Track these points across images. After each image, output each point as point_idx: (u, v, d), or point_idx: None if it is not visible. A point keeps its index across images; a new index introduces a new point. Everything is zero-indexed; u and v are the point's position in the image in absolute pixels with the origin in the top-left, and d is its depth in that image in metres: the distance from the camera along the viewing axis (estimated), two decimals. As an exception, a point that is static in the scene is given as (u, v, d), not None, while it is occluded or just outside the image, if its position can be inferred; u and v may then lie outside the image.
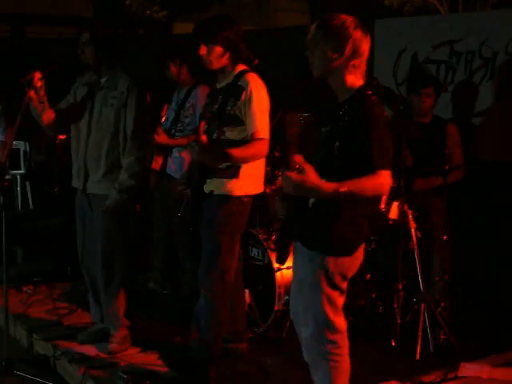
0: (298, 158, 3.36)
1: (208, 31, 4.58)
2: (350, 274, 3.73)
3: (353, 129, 3.45)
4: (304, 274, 3.74)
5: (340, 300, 3.74)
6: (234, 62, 4.66)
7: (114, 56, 5.11)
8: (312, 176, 3.32)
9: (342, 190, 3.33)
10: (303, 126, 3.42)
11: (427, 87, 6.03)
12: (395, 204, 5.49)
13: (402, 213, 5.46)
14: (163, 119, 6.13)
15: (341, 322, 3.76)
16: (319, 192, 3.35)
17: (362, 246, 3.76)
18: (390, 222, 5.53)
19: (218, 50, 4.58)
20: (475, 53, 6.45)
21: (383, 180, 3.42)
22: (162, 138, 6.07)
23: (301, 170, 3.30)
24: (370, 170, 3.39)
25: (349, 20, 3.56)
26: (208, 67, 4.65)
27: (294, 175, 3.32)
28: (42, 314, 6.05)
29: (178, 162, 6.22)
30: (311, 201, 3.55)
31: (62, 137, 7.83)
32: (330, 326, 3.70)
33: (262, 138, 4.53)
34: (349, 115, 3.50)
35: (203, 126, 4.49)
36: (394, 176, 5.38)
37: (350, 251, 3.67)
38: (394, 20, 7.48)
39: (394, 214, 5.52)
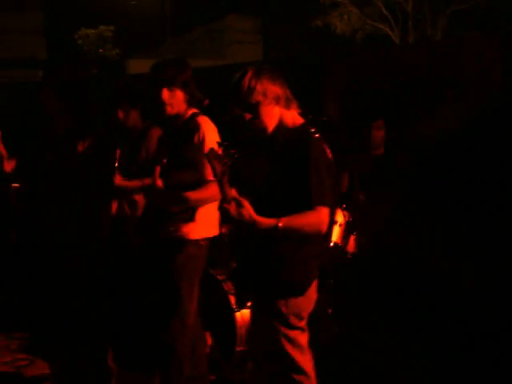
0: (232, 192, 3.40)
1: (169, 75, 4.56)
2: (305, 313, 3.72)
3: (293, 166, 3.48)
4: (260, 318, 3.74)
5: (302, 338, 3.72)
6: (189, 105, 4.66)
7: (78, 103, 5.06)
8: (249, 209, 3.36)
9: (280, 224, 3.38)
10: (228, 163, 3.45)
11: (378, 118, 6.07)
12: (352, 238, 5.50)
13: (359, 246, 5.47)
14: (117, 164, 6.06)
15: (307, 362, 3.73)
16: (256, 224, 3.39)
17: (314, 285, 3.73)
18: (349, 256, 5.53)
19: (180, 93, 4.58)
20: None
21: (321, 217, 3.47)
22: (116, 179, 6.01)
23: (237, 203, 3.35)
24: (307, 207, 3.43)
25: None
26: (166, 112, 4.62)
27: (231, 208, 3.37)
28: (1, 366, 5.94)
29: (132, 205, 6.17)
30: (254, 247, 3.57)
31: (16, 185, 7.74)
32: (295, 368, 3.68)
33: (215, 180, 4.51)
34: (289, 152, 3.53)
35: (158, 170, 4.46)
36: (350, 210, 5.46)
37: (300, 291, 3.65)
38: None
39: (351, 247, 5.53)
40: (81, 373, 5.22)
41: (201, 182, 4.52)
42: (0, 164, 5.01)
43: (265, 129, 3.66)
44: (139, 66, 17.66)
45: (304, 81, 7.08)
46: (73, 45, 20.39)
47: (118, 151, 6.02)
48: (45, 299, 5.26)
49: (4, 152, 4.96)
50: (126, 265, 6.34)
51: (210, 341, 5.52)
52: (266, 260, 3.57)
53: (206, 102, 4.77)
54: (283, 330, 3.64)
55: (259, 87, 3.58)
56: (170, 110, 4.61)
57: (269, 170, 3.66)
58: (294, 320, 3.64)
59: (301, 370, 3.70)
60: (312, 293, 3.72)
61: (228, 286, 5.48)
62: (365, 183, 5.59)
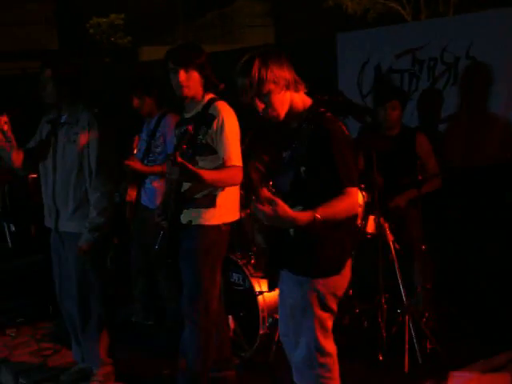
0: (266, 193, 3.34)
1: (186, 56, 4.57)
2: (341, 292, 3.76)
3: (315, 151, 3.46)
4: (294, 299, 3.74)
5: (330, 322, 3.75)
6: (205, 89, 4.66)
7: (75, 91, 5.09)
8: (283, 207, 3.30)
9: (317, 216, 3.33)
10: (262, 171, 3.46)
11: (392, 100, 6.05)
12: (371, 218, 5.50)
13: (378, 226, 5.47)
14: (135, 151, 6.08)
15: (331, 344, 3.77)
16: (294, 222, 3.33)
17: (349, 263, 3.77)
18: (368, 236, 5.53)
19: (196, 75, 4.59)
20: (437, 59, 6.48)
21: (353, 198, 3.47)
22: (136, 164, 6.02)
23: (271, 203, 3.29)
24: (338, 190, 3.41)
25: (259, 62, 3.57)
26: (183, 94, 4.62)
27: (266, 208, 3.31)
28: (27, 356, 5.98)
29: (151, 193, 6.19)
30: (291, 229, 3.55)
31: (34, 175, 7.76)
32: (321, 350, 3.72)
33: (234, 166, 4.53)
34: (308, 138, 3.51)
35: (177, 154, 4.46)
36: (368, 190, 5.45)
37: (337, 270, 3.68)
38: (355, 32, 7.49)
39: (371, 227, 5.53)
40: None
41: (220, 167, 4.53)
42: (9, 156, 5.04)
43: (278, 116, 3.63)
44: (151, 53, 17.66)
45: (316, 62, 7.07)
46: (84, 34, 20.41)
47: (136, 138, 6.06)
48: (64, 286, 5.31)
49: (14, 143, 4.99)
50: (146, 252, 6.39)
51: (232, 325, 5.55)
52: (303, 240, 3.57)
53: (222, 86, 4.77)
54: (318, 311, 3.67)
55: (270, 76, 3.52)
56: (187, 92, 4.60)
57: (289, 158, 3.65)
58: (330, 300, 3.67)
59: (327, 353, 3.73)
60: (347, 272, 3.76)
61: (249, 270, 5.50)
62: (381, 163, 5.57)
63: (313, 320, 3.67)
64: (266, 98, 3.57)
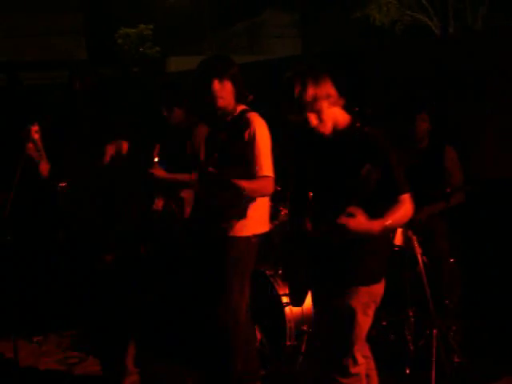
0: (352, 207, 3.41)
1: (221, 66, 4.62)
2: (379, 300, 3.86)
3: (364, 162, 3.52)
4: (336, 310, 3.80)
5: (365, 332, 3.83)
6: (237, 100, 4.68)
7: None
8: (363, 218, 3.41)
9: (387, 224, 3.47)
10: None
11: (421, 112, 6.04)
12: (399, 230, 5.48)
13: (406, 239, 5.45)
14: (156, 159, 6.07)
15: (361, 355, 3.82)
16: (371, 231, 3.45)
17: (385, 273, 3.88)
18: (396, 249, 5.51)
19: (229, 86, 4.62)
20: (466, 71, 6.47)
21: (409, 204, 3.60)
22: (160, 171, 6.00)
23: (351, 215, 3.39)
24: (395, 197, 3.55)
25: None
26: (216, 104, 4.64)
27: (349, 220, 3.39)
28: (53, 364, 6.01)
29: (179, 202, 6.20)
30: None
31: (63, 184, 7.79)
32: (354, 359, 3.77)
33: (266, 176, 4.54)
34: (359, 152, 3.59)
35: (210, 162, 4.48)
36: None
37: (379, 278, 3.81)
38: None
39: (398, 240, 5.51)
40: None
41: (252, 178, 4.53)
42: (36, 166, 5.09)
43: (327, 130, 3.70)
44: (179, 63, 17.74)
45: (344, 74, 7.07)
46: (113, 45, 20.54)
47: (158, 146, 6.06)
48: (89, 297, 5.34)
49: (43, 153, 5.03)
50: (174, 262, 6.39)
51: (259, 336, 5.54)
52: (349, 251, 3.66)
53: (251, 97, 4.79)
54: (360, 318, 3.72)
55: (322, 93, 3.59)
56: (220, 102, 4.63)
57: (340, 172, 3.70)
58: (372, 307, 3.78)
59: (357, 361, 3.77)
60: (384, 281, 3.86)
61: (277, 282, 5.49)
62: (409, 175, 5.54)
63: (353, 328, 3.73)
64: (319, 114, 3.63)
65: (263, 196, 4.66)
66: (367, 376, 4.05)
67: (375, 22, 22.50)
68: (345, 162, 3.66)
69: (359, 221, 3.39)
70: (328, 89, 3.62)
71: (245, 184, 4.44)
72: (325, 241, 3.65)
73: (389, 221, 3.47)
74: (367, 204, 3.49)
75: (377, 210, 3.50)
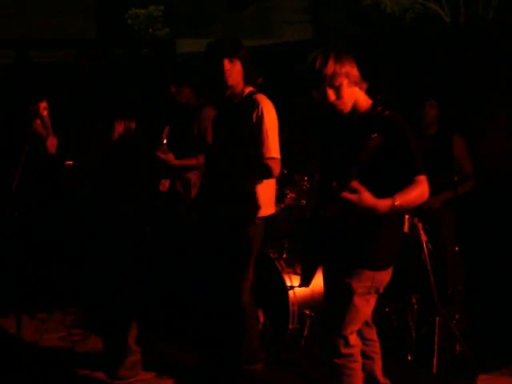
0: (355, 183, 3.42)
1: (231, 46, 4.63)
2: (382, 288, 3.88)
3: (386, 144, 3.50)
4: (336, 288, 3.85)
5: (362, 315, 3.83)
6: (245, 82, 4.67)
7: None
8: (368, 195, 3.42)
9: (396, 204, 3.46)
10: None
11: (431, 97, 6.03)
12: (406, 217, 5.46)
13: (412, 226, 5.44)
14: (164, 141, 6.06)
15: (355, 337, 3.84)
16: (376, 210, 3.45)
17: (395, 262, 3.89)
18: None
19: (239, 66, 4.62)
20: (478, 58, 6.44)
21: (424, 185, 3.58)
22: (169, 156, 6.00)
23: (357, 191, 3.39)
24: (410, 178, 3.54)
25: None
26: (227, 84, 4.63)
27: (352, 196, 3.40)
28: (56, 341, 6.03)
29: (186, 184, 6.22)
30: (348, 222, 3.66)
31: (69, 163, 7.76)
32: (345, 339, 3.77)
33: (273, 158, 4.54)
34: (376, 131, 3.53)
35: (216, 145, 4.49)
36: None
37: (386, 265, 3.82)
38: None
39: (404, 227, 5.49)
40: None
41: (258, 159, 4.53)
42: (43, 142, 5.10)
43: (345, 108, 3.72)
44: (189, 45, 17.69)
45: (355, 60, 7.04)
46: (123, 25, 20.49)
47: (167, 128, 6.05)
48: (95, 274, 5.35)
49: (50, 129, 5.03)
50: (179, 243, 6.40)
51: (262, 318, 5.55)
52: (361, 233, 3.70)
53: (260, 80, 4.78)
54: (356, 300, 3.74)
55: (343, 70, 3.64)
56: (230, 81, 4.63)
57: (358, 151, 3.63)
58: (373, 294, 3.80)
59: (348, 342, 3.78)
60: (391, 270, 3.87)
61: (281, 265, 5.50)
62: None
63: (348, 308, 3.74)
64: (337, 90, 3.66)
65: (270, 178, 4.65)
66: (371, 358, 4.09)
67: (386, 10, 22.40)
68: (360, 140, 3.66)
69: (363, 197, 3.40)
70: (349, 68, 3.68)
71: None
72: (338, 221, 3.65)
73: (398, 201, 3.46)
74: (382, 186, 3.50)
75: (391, 193, 3.50)
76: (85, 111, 5.23)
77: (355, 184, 3.41)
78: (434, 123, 6.08)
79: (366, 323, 4.08)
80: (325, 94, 3.66)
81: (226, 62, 4.58)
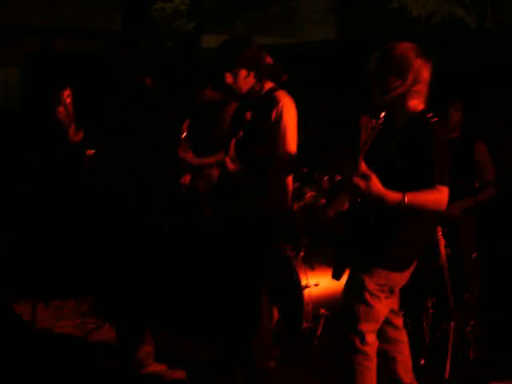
0: (364, 167, 3.46)
1: (228, 58, 4.57)
2: (397, 288, 3.93)
3: (415, 148, 3.60)
4: (351, 281, 3.88)
5: (376, 313, 3.82)
6: (260, 78, 4.64)
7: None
8: (377, 183, 3.44)
9: (406, 198, 3.47)
10: (374, 132, 3.53)
11: (456, 101, 6.01)
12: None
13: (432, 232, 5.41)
14: (184, 134, 6.07)
15: (371, 335, 3.84)
16: (384, 199, 3.47)
17: (412, 267, 3.91)
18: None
19: (243, 72, 4.57)
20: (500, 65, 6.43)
21: (443, 195, 3.58)
22: (189, 156, 6.01)
23: (366, 177, 3.42)
24: (429, 186, 3.54)
25: (410, 49, 3.74)
26: (238, 93, 4.63)
27: (360, 181, 3.43)
28: (69, 328, 6.05)
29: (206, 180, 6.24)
30: (372, 218, 3.71)
31: (90, 152, 7.77)
32: (360, 336, 3.79)
33: (290, 154, 4.53)
34: (412, 136, 3.65)
35: (233, 143, 4.49)
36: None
37: (402, 267, 3.83)
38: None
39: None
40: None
41: (277, 157, 4.52)
42: (66, 130, 5.11)
43: (391, 104, 3.74)
44: (212, 41, 17.70)
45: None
46: (148, 18, 20.50)
47: (187, 120, 6.06)
48: (112, 264, 5.36)
49: (73, 117, 5.05)
50: (197, 238, 6.40)
51: (276, 316, 5.54)
52: (382, 230, 3.72)
53: (285, 77, 4.77)
54: (367, 297, 3.76)
55: (414, 64, 3.70)
56: (239, 92, 4.62)
57: (391, 150, 3.73)
58: (384, 292, 3.81)
59: (364, 340, 3.79)
60: (407, 273, 3.90)
61: (298, 262, 5.49)
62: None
63: (360, 303, 3.77)
64: (398, 83, 3.70)
65: (285, 175, 4.62)
66: (393, 359, 4.11)
67: (412, 13, 22.32)
68: (391, 144, 3.72)
69: (373, 184, 3.43)
70: (419, 67, 3.72)
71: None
72: (362, 216, 3.72)
73: (408, 197, 3.47)
74: (403, 186, 3.52)
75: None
76: (113, 102, 5.24)
77: (363, 168, 3.45)
78: (458, 127, 6.05)
79: (391, 323, 4.10)
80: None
81: (228, 76, 4.56)
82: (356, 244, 3.83)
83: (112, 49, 5.13)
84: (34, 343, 5.05)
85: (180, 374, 5.16)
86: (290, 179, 4.79)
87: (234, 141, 4.49)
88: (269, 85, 4.69)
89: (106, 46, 5.24)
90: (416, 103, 3.77)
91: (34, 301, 4.81)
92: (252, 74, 4.59)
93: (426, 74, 3.75)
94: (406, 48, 3.73)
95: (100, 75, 5.30)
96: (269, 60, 4.69)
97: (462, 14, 21.27)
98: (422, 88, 3.76)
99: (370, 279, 3.76)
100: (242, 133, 4.63)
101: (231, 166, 4.27)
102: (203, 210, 5.48)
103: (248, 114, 4.66)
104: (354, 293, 3.82)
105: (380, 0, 22.15)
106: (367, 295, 3.76)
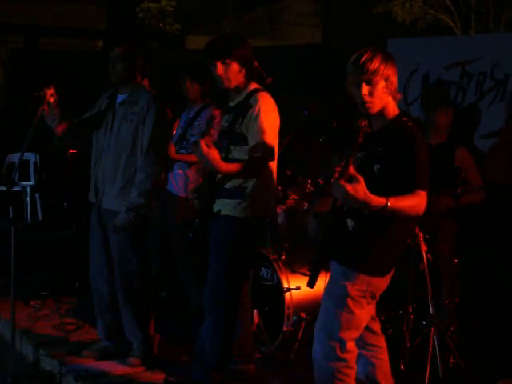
0: (352, 170, 3.46)
1: (223, 48, 4.51)
2: (378, 294, 3.90)
3: (395, 153, 3.62)
4: (332, 288, 3.87)
5: (356, 321, 3.83)
6: (248, 79, 4.62)
7: (141, 72, 5.15)
8: (362, 187, 3.43)
9: (388, 204, 3.46)
10: (360, 139, 3.55)
11: (445, 105, 6.04)
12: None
13: (413, 235, 5.42)
14: (173, 133, 6.12)
15: (352, 343, 3.85)
16: (368, 203, 3.45)
17: (392, 271, 3.92)
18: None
19: (235, 66, 4.52)
20: (487, 74, 6.45)
21: (422, 200, 3.59)
22: (171, 149, 6.03)
23: (354, 180, 3.41)
24: (409, 190, 3.55)
25: (379, 55, 3.73)
26: (224, 86, 4.58)
27: (347, 184, 3.42)
28: (49, 329, 6.01)
29: (181, 180, 6.25)
30: (350, 224, 3.74)
31: (73, 151, 7.76)
32: (341, 343, 3.80)
33: (263, 156, 4.46)
34: (390, 140, 3.67)
35: (207, 139, 4.42)
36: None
37: (384, 272, 3.85)
38: (406, 40, 7.50)
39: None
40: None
41: (249, 158, 4.47)
42: (50, 129, 5.08)
43: (372, 108, 3.75)
44: (198, 42, 17.66)
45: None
46: (134, 18, 20.44)
47: (178, 120, 6.09)
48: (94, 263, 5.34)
49: (58, 116, 5.03)
50: (173, 239, 6.40)
51: (257, 319, 5.53)
52: (362, 236, 3.75)
53: (269, 80, 4.75)
54: (349, 303, 3.77)
55: (385, 71, 3.70)
56: (227, 83, 4.57)
57: (371, 153, 3.75)
58: (367, 298, 3.81)
59: (345, 347, 3.81)
60: (388, 278, 3.91)
61: (279, 266, 5.48)
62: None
63: (341, 310, 3.77)
64: (372, 88, 3.70)
65: (254, 177, 4.55)
66: (371, 364, 4.12)
67: (397, 19, 22.37)
68: (370, 149, 3.73)
69: (357, 187, 3.41)
70: (391, 74, 3.73)
71: (230, 168, 4.43)
72: (341, 221, 3.72)
73: (390, 202, 3.47)
74: (382, 191, 3.51)
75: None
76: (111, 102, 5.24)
77: (351, 170, 3.45)
78: (444, 131, 6.06)
79: (369, 329, 4.10)
80: (360, 87, 3.71)
81: (219, 66, 4.50)
82: (335, 250, 3.83)
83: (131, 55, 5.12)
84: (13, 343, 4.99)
85: (159, 376, 5.13)
86: (272, 184, 4.74)
87: (206, 138, 4.39)
88: (253, 85, 4.66)
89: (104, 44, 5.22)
90: (394, 108, 3.81)
91: (14, 300, 4.76)
92: (244, 71, 4.56)
93: (395, 78, 3.76)
94: (376, 54, 3.72)
95: (84, 74, 5.27)
96: (256, 63, 4.67)
97: (446, 22, 21.33)
98: (395, 92, 3.78)
99: (352, 285, 3.76)
100: (218, 133, 4.65)
101: (206, 150, 4.20)
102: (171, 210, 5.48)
103: (229, 115, 4.66)
104: (336, 299, 3.81)
105: (365, 5, 22.16)
106: (349, 302, 3.77)
